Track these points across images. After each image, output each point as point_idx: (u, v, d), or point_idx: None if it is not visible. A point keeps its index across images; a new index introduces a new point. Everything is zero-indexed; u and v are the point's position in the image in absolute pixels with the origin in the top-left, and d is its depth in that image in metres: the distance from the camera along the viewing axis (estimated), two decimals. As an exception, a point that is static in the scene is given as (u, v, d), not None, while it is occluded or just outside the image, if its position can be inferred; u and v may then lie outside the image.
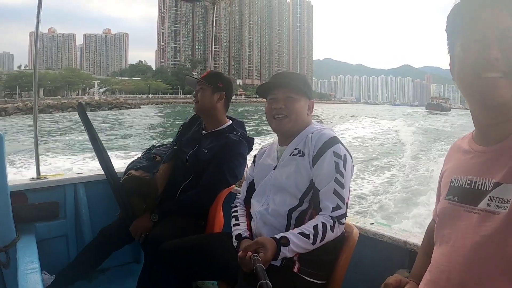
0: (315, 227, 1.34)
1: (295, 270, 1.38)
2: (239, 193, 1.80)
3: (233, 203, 1.76)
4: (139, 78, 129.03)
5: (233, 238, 1.54)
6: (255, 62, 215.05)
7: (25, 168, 10.34)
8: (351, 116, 44.45)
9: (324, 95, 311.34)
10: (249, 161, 2.01)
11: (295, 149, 1.51)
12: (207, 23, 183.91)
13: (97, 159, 1.99)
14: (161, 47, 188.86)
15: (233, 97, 2.34)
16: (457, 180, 0.88)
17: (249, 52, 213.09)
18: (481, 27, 0.77)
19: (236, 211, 1.69)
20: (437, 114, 68.22)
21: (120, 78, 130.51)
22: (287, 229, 1.42)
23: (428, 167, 10.75)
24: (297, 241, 1.32)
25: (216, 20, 2.93)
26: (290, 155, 1.51)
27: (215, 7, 2.80)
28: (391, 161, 13.18)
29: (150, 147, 2.39)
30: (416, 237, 1.52)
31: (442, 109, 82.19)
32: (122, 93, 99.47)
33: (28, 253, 1.71)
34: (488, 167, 0.81)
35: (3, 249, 1.76)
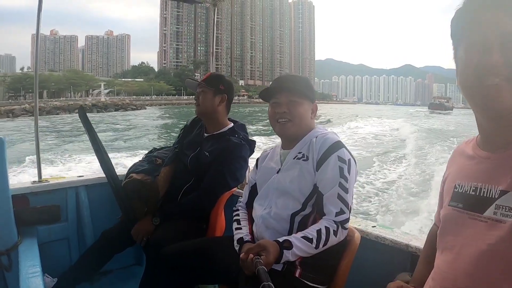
0: (319, 231, 1.33)
1: (297, 275, 1.38)
2: (241, 196, 1.79)
3: (235, 207, 1.75)
4: (142, 80, 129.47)
5: (235, 242, 1.53)
6: (257, 63, 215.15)
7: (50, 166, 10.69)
8: (356, 116, 44.61)
9: (326, 96, 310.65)
10: (251, 164, 2.01)
11: (299, 153, 1.50)
12: (209, 24, 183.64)
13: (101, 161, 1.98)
14: (163, 48, 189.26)
15: (236, 97, 2.33)
16: (461, 185, 0.86)
17: (251, 53, 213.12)
18: (481, 31, 0.75)
19: (238, 214, 1.68)
20: (440, 113, 67.92)
21: (123, 79, 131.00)
22: (289, 233, 1.41)
23: (433, 169, 10.68)
24: (300, 245, 1.31)
25: (218, 21, 2.94)
26: (293, 159, 1.51)
27: (216, 8, 2.79)
28: (402, 155, 13.49)
29: (152, 150, 2.38)
30: (418, 240, 1.50)
31: (445, 108, 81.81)
32: (125, 95, 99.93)
33: (30, 256, 1.72)
34: (493, 174, 0.80)
35: (5, 252, 1.76)
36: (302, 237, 1.33)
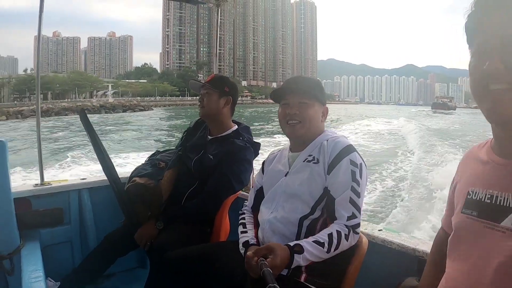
0: (330, 235, 1.30)
1: (302, 279, 1.35)
2: (246, 199, 1.76)
3: (241, 210, 1.73)
4: (145, 81, 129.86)
5: (240, 245, 1.51)
6: (260, 64, 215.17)
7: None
8: (365, 116, 45.40)
9: (328, 96, 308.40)
10: (255, 167, 1.98)
11: (309, 155, 1.48)
12: (211, 25, 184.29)
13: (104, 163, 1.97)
14: (166, 49, 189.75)
15: (239, 98, 2.31)
16: (475, 192, 0.82)
17: (254, 53, 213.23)
18: (484, 35, 0.73)
19: (243, 218, 1.66)
20: (443, 113, 67.68)
21: (127, 81, 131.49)
22: (297, 238, 1.39)
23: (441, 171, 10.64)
24: (312, 249, 1.28)
25: (220, 22, 2.90)
26: (303, 161, 1.48)
27: (219, 9, 2.77)
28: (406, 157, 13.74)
29: (155, 152, 2.36)
30: (425, 244, 1.47)
31: (448, 108, 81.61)
32: (129, 96, 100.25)
33: (32, 260, 1.71)
34: (510, 182, 0.76)
35: (7, 256, 1.75)
36: (313, 241, 1.30)
